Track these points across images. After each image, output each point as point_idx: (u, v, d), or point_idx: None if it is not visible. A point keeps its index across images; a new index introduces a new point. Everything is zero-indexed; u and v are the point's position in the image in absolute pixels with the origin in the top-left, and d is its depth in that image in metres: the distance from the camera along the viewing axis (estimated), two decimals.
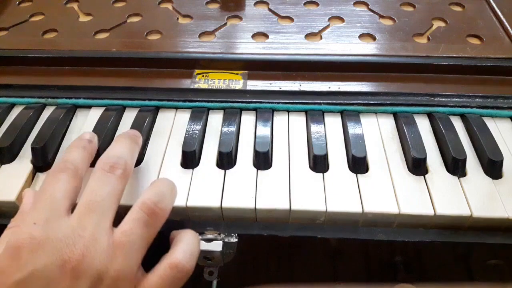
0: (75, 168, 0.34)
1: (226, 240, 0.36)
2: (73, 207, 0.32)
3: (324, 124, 0.44)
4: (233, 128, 0.43)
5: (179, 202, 0.37)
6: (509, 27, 0.54)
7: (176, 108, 0.46)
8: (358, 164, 0.39)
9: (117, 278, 0.30)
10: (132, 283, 0.30)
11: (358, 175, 0.39)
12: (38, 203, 0.32)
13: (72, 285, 0.28)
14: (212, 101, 0.46)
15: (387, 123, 0.44)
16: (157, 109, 0.46)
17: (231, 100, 0.46)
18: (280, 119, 0.45)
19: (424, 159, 0.39)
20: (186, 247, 0.33)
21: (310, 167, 0.40)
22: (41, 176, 0.40)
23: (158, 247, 0.33)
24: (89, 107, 0.46)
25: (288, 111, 0.46)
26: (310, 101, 0.45)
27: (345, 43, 0.53)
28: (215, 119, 0.45)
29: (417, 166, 0.39)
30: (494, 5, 0.57)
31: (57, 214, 0.31)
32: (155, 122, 0.45)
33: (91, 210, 0.31)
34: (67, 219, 0.31)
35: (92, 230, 0.30)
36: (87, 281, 0.28)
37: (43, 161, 0.41)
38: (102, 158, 0.35)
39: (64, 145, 0.43)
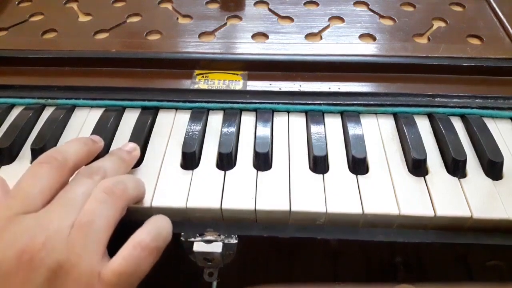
0: (64, 159, 0.33)
1: (226, 241, 0.36)
2: None
3: (324, 124, 0.44)
4: (233, 129, 0.43)
5: (179, 203, 0.37)
6: (509, 27, 0.54)
7: (176, 108, 0.46)
8: (358, 165, 0.39)
9: (78, 264, 0.28)
10: (95, 269, 0.29)
11: (358, 176, 0.39)
12: (11, 197, 0.31)
13: (29, 276, 0.27)
14: (212, 102, 0.46)
15: (387, 124, 0.44)
16: (157, 109, 0.46)
17: (231, 100, 0.46)
18: (280, 120, 0.45)
19: (424, 160, 0.39)
20: (151, 227, 0.32)
21: (310, 168, 0.40)
22: None
23: None
24: (89, 107, 0.46)
25: (288, 111, 0.45)
26: (310, 102, 0.45)
27: (345, 43, 0.52)
28: (215, 120, 0.44)
29: (417, 167, 0.39)
30: (495, 5, 0.57)
31: (26, 210, 0.30)
32: (154, 122, 0.45)
33: (61, 205, 0.31)
34: (35, 214, 0.30)
35: (58, 223, 0.29)
36: (45, 271, 0.28)
37: None
38: (82, 167, 0.35)
39: None
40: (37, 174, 0.32)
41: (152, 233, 0.32)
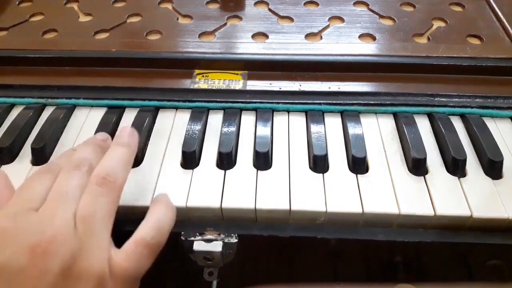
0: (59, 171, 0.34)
1: (226, 240, 0.36)
2: None
3: (324, 124, 0.44)
4: (233, 128, 0.43)
5: (179, 202, 0.37)
6: (509, 27, 0.54)
7: (176, 108, 0.46)
8: (358, 165, 0.39)
9: (91, 252, 0.29)
10: (106, 256, 0.30)
11: (358, 175, 0.39)
12: (16, 197, 0.32)
13: (45, 267, 0.28)
14: (212, 101, 0.46)
15: (387, 123, 0.44)
16: (157, 109, 0.46)
17: (231, 100, 0.46)
18: (280, 119, 0.45)
19: (424, 160, 0.39)
20: (152, 222, 0.33)
21: (310, 167, 0.40)
22: None
23: None
24: (89, 107, 0.46)
25: (288, 111, 0.46)
26: (310, 101, 0.45)
27: (345, 43, 0.53)
28: (215, 119, 0.45)
29: (417, 167, 0.39)
30: (494, 5, 0.57)
31: (30, 207, 0.30)
32: (155, 122, 0.45)
33: (58, 199, 0.31)
34: (37, 211, 0.30)
35: (62, 217, 0.30)
36: (60, 262, 0.28)
37: (43, 161, 0.41)
38: (66, 162, 0.35)
39: (64, 145, 0.43)
40: (39, 179, 0.33)
41: (154, 230, 0.32)
